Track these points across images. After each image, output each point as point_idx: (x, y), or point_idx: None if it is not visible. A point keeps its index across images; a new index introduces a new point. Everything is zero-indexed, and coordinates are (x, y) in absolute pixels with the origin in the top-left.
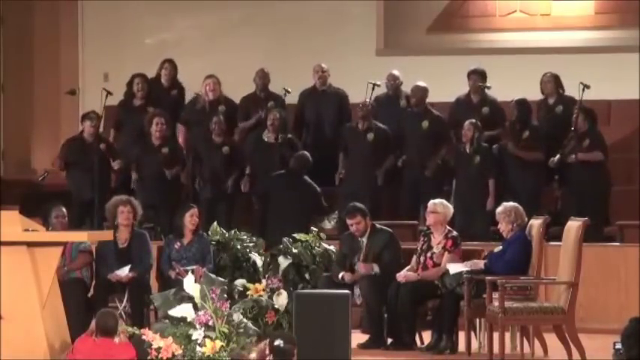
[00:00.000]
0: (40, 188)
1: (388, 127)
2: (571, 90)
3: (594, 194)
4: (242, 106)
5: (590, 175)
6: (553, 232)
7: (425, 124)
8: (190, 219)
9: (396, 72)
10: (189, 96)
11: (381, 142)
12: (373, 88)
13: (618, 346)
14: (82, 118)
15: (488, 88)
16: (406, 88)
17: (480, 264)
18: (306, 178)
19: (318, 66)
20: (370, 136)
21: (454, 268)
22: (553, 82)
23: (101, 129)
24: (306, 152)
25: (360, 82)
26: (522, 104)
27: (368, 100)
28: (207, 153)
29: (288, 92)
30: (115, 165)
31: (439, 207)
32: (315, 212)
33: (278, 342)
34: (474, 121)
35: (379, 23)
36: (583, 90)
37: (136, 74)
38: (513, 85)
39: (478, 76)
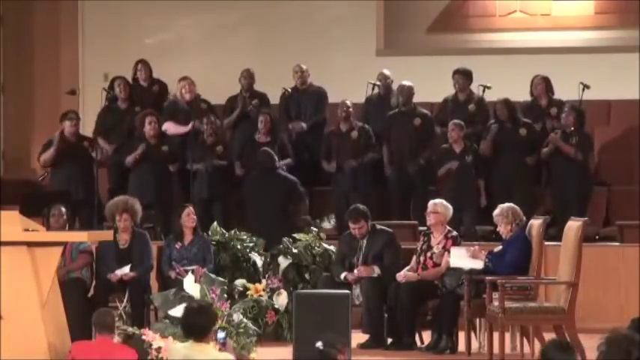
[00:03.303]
0: (40, 188)
1: (380, 126)
2: (571, 90)
3: (575, 194)
4: (227, 106)
5: (572, 175)
6: (549, 232)
7: (417, 121)
8: (187, 218)
9: (386, 71)
10: (171, 90)
11: (364, 140)
12: (373, 88)
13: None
14: (62, 118)
15: (489, 87)
16: (395, 87)
17: (482, 256)
18: (280, 171)
19: (297, 66)
20: (354, 134)
21: (455, 255)
22: (544, 84)
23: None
24: (265, 148)
25: (360, 82)
26: (509, 103)
27: (348, 101)
28: (200, 154)
29: (288, 92)
30: (103, 153)
31: (439, 207)
32: (294, 202)
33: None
34: (457, 121)
35: (379, 23)
36: (583, 90)
37: (116, 77)
38: (513, 85)
39: (461, 76)
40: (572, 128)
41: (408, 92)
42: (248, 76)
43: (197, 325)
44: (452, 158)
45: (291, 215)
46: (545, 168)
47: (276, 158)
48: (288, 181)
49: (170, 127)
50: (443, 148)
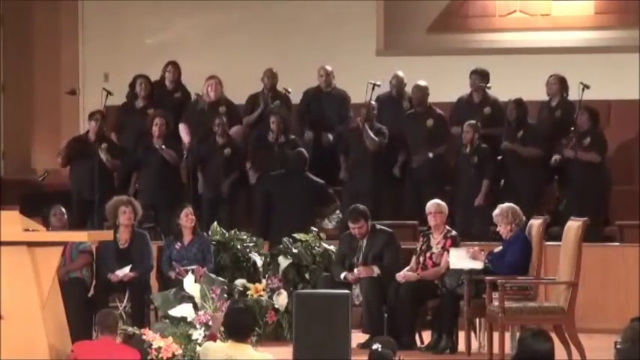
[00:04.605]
0: (40, 188)
1: (391, 128)
2: (571, 90)
3: (593, 194)
4: (248, 105)
5: (589, 175)
6: (553, 232)
7: (430, 122)
8: (186, 218)
9: (400, 73)
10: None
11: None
12: (373, 88)
13: (619, 345)
14: (89, 118)
15: (489, 88)
16: (407, 89)
17: (482, 256)
18: (308, 174)
19: (322, 68)
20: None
21: (455, 257)
22: (558, 84)
23: None
24: (302, 149)
25: (360, 82)
26: (520, 104)
27: (370, 100)
28: (209, 154)
29: (289, 92)
30: (109, 164)
31: (443, 207)
32: (323, 204)
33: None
34: (473, 122)
35: (379, 23)
36: (583, 90)
37: (139, 75)
38: (513, 85)
39: (478, 76)
40: (586, 128)
41: (423, 92)
42: (271, 76)
43: (243, 324)
44: (461, 159)
45: (315, 217)
46: (558, 170)
47: (307, 162)
48: (315, 185)
49: (182, 130)
50: (453, 148)
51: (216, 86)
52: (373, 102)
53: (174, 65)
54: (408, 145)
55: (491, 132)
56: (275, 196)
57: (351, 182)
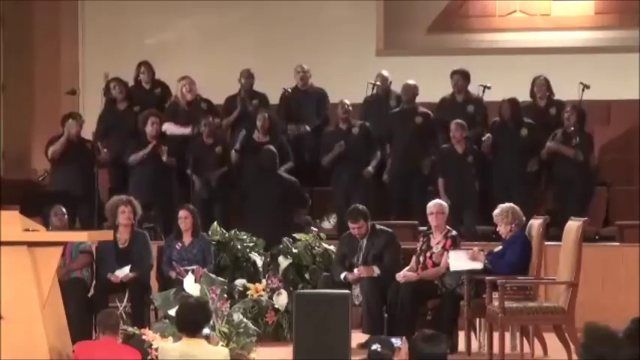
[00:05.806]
0: (40, 188)
1: (378, 127)
2: (571, 90)
3: (579, 194)
4: (226, 106)
5: (573, 175)
6: (549, 232)
7: (419, 119)
8: (181, 221)
9: (385, 72)
10: (174, 92)
11: (366, 138)
12: (373, 88)
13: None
14: (65, 119)
15: (489, 88)
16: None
17: (481, 257)
18: (281, 173)
19: (299, 66)
20: (355, 130)
21: (454, 258)
22: (546, 86)
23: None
24: (271, 147)
25: (360, 82)
26: (514, 103)
27: (347, 100)
28: (199, 154)
29: (288, 92)
30: (102, 155)
31: (444, 208)
32: (296, 204)
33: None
34: (459, 121)
35: (379, 23)
36: (583, 90)
37: (111, 79)
38: (513, 85)
39: (460, 76)
40: (572, 128)
41: (413, 91)
42: (248, 76)
43: (192, 320)
44: (454, 159)
45: (291, 216)
46: (545, 169)
47: (278, 160)
48: (287, 183)
49: (170, 128)
50: (444, 148)
51: (190, 86)
52: (346, 101)
53: (146, 65)
54: (391, 145)
55: (474, 131)
56: (249, 196)
57: (339, 181)
